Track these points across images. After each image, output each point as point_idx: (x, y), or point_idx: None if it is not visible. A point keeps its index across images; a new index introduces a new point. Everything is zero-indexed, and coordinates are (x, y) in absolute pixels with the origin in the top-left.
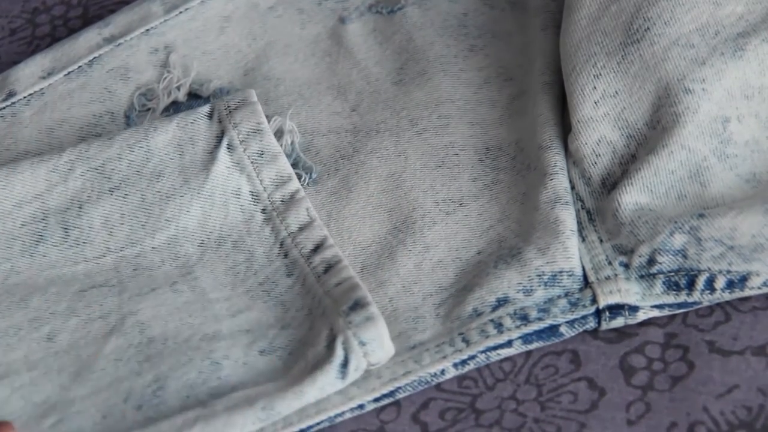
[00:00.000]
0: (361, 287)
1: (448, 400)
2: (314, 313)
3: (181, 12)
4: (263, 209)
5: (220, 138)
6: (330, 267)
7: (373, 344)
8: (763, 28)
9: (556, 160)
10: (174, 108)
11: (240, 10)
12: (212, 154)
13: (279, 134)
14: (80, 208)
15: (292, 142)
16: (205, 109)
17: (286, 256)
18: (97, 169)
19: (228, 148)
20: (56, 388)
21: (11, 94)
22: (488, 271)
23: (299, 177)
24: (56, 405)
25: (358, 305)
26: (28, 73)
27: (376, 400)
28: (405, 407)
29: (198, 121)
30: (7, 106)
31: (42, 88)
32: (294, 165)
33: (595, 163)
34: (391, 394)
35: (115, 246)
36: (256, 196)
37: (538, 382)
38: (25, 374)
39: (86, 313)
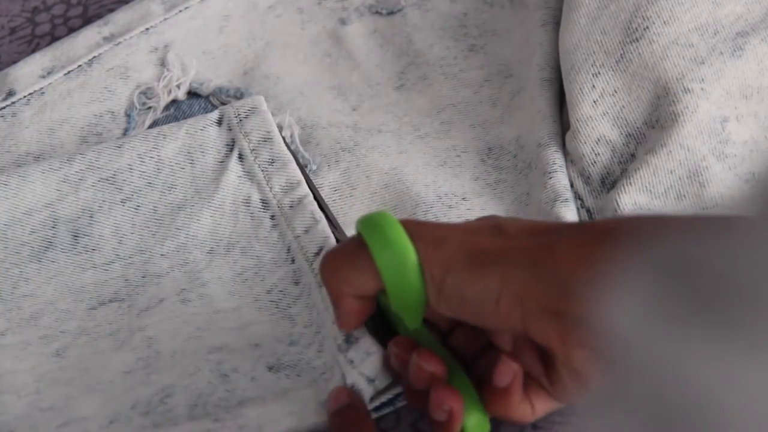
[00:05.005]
0: None
1: None
2: (322, 333)
3: (180, 11)
4: (272, 216)
5: (230, 146)
6: None
7: (380, 378)
8: (762, 27)
9: (555, 157)
10: (174, 106)
11: (240, 9)
12: (223, 163)
13: (278, 129)
14: (91, 217)
15: (292, 135)
16: (214, 115)
17: (293, 261)
18: (108, 179)
19: (239, 158)
20: (63, 398)
21: (11, 94)
22: None
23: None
24: (63, 411)
25: (352, 336)
26: (27, 72)
27: (377, 409)
28: (404, 416)
29: (207, 128)
30: (8, 105)
31: (42, 88)
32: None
33: (595, 162)
34: (391, 402)
35: (124, 253)
36: (266, 203)
37: None
38: (32, 384)
39: (96, 331)
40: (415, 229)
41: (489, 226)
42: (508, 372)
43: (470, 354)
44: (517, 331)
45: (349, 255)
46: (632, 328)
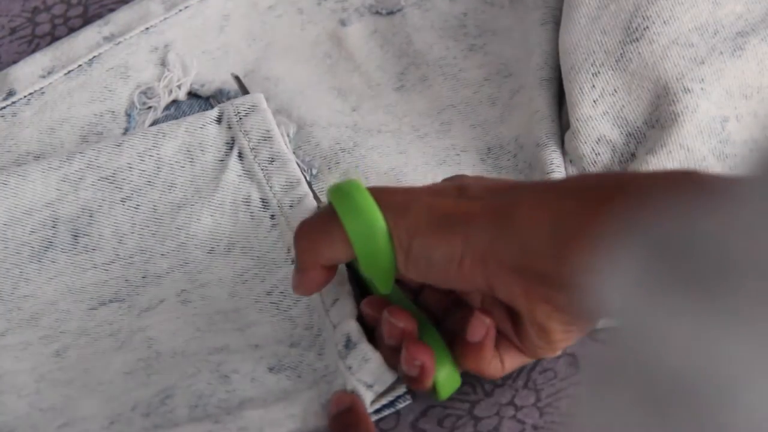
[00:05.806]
0: (353, 306)
1: (447, 407)
2: (323, 336)
3: (180, 10)
4: (272, 215)
5: (230, 145)
6: None
7: (378, 383)
8: (762, 27)
9: (553, 157)
10: (174, 107)
11: (239, 9)
12: (223, 161)
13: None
14: (91, 216)
15: (289, 136)
16: (213, 113)
17: (293, 262)
18: (107, 178)
19: (239, 157)
20: (63, 398)
21: (11, 93)
22: None
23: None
24: (63, 411)
25: (350, 342)
26: (27, 72)
27: (378, 411)
28: (404, 415)
29: (207, 126)
30: (8, 105)
31: (42, 87)
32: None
33: (595, 162)
34: (392, 404)
35: (124, 253)
36: (266, 202)
37: (536, 386)
38: (32, 384)
39: (96, 332)
40: (383, 196)
41: (453, 187)
42: (481, 327)
43: (440, 310)
44: (482, 291)
45: (324, 227)
46: (622, 303)
